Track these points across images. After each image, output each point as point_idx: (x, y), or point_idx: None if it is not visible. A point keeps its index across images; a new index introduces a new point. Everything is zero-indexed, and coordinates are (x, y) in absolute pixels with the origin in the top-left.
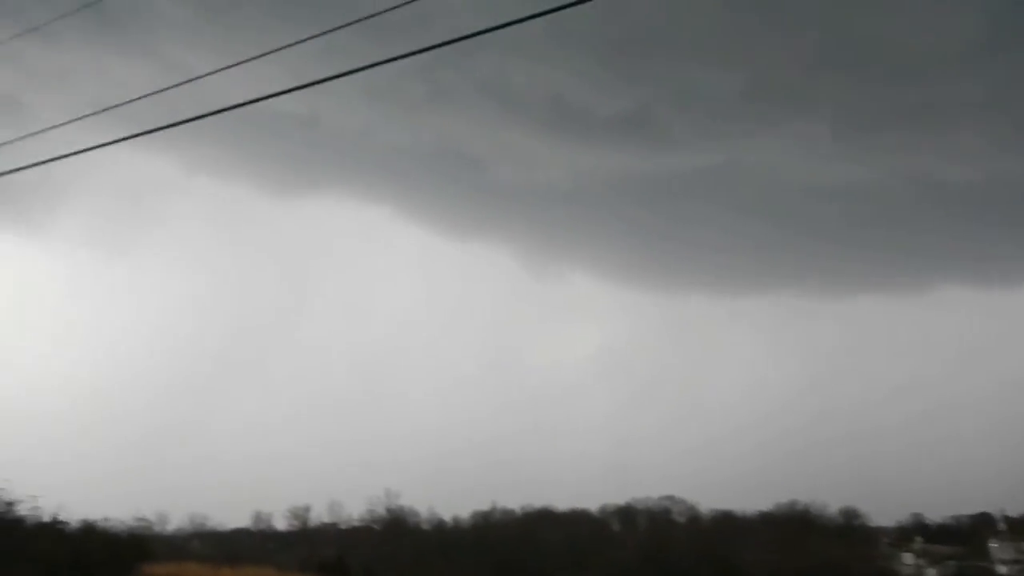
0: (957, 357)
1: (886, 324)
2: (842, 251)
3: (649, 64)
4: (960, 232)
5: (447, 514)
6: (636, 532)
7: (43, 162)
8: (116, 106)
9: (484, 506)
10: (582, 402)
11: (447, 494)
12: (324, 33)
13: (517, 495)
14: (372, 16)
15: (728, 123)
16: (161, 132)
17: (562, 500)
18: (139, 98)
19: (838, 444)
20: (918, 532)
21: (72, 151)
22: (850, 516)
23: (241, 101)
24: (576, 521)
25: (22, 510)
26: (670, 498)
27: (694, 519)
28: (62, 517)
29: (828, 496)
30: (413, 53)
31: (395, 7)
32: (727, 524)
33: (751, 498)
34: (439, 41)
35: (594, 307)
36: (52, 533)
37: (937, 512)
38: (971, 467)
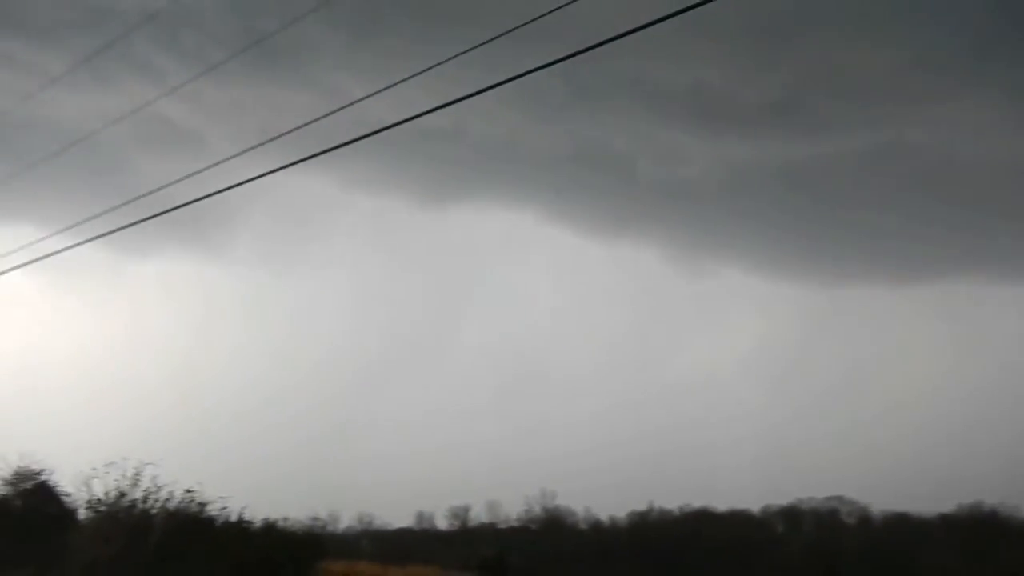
0: None
1: None
2: None
3: (796, 46)
4: None
5: (603, 514)
6: (801, 534)
7: (219, 191)
8: (280, 136)
9: (641, 506)
10: (741, 400)
11: (603, 494)
12: (466, 51)
13: (675, 495)
14: (511, 30)
15: (890, 101)
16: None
17: (721, 501)
18: (300, 127)
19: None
20: None
21: (244, 179)
22: None
23: (390, 119)
24: (737, 522)
25: (212, 511)
26: (838, 498)
27: (864, 520)
28: (247, 517)
29: (1020, 498)
30: (556, 61)
31: (534, 19)
32: (902, 526)
33: (929, 499)
34: (579, 43)
35: (750, 303)
36: (239, 532)
37: None
38: None
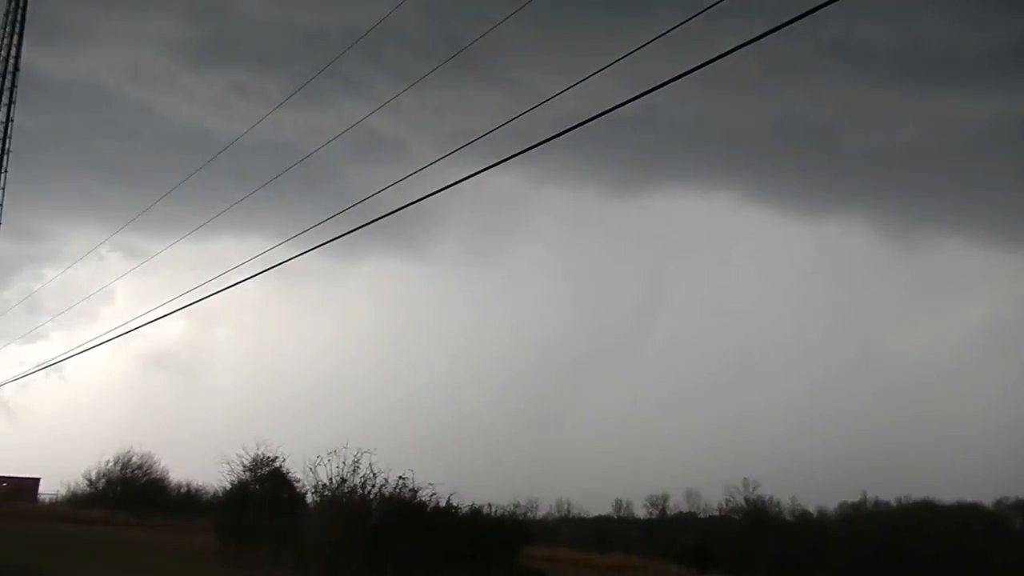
0: None
1: None
2: None
3: None
4: None
5: (811, 505)
6: None
7: (423, 197)
8: (476, 139)
9: (853, 497)
10: (968, 383)
11: (811, 484)
12: (656, 38)
13: (892, 486)
14: (702, 12)
15: None
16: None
17: (947, 492)
18: (495, 129)
19: None
20: None
21: (445, 184)
22: None
23: (581, 112)
24: (965, 516)
25: (423, 496)
26: None
27: None
28: (455, 503)
29: None
30: (749, 42)
31: None
32: None
33: None
34: (777, 13)
35: (976, 278)
36: (448, 516)
37: None
38: None
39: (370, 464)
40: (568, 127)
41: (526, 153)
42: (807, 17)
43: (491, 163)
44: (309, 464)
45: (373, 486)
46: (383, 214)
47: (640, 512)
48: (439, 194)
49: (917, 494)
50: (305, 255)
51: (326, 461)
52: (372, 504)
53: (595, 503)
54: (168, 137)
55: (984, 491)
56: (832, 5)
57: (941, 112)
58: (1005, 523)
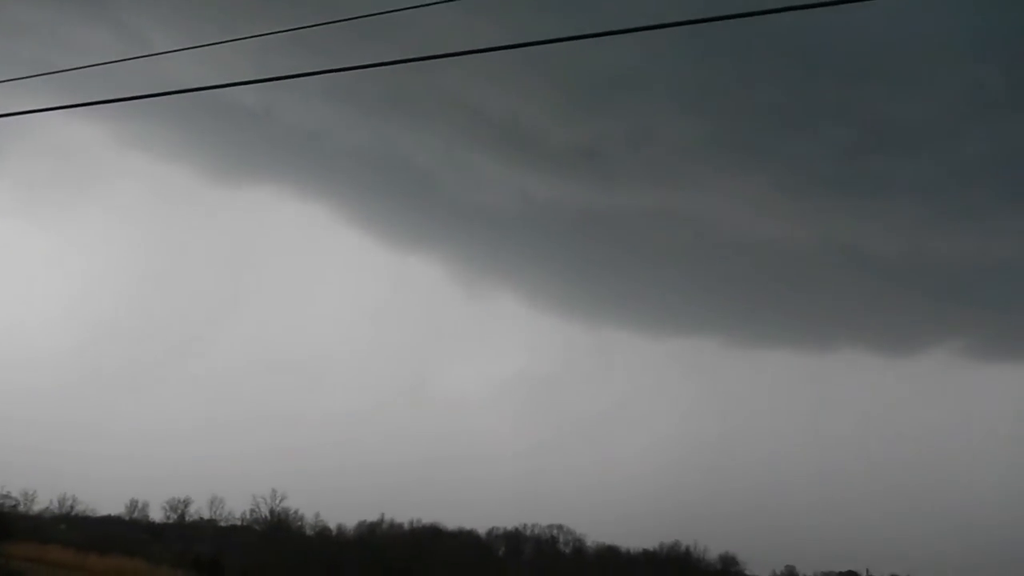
0: (852, 417)
1: (792, 379)
2: (757, 305)
3: (611, 102)
4: (871, 300)
5: (333, 522)
6: (520, 558)
7: None
8: (61, 71)
9: (373, 517)
10: (492, 422)
11: (336, 502)
12: (291, 29)
13: (409, 510)
14: (342, 20)
15: (676, 169)
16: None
17: (453, 519)
18: (87, 67)
19: (728, 493)
20: None
21: (7, 112)
22: (728, 562)
23: (195, 85)
24: (463, 541)
25: None
26: (559, 527)
27: (579, 551)
28: None
29: (710, 542)
30: (379, 64)
31: (370, 15)
32: (610, 558)
33: (637, 536)
34: (406, 50)
35: (519, 331)
36: None
37: (809, 566)
38: (849, 526)
39: None
40: (171, 90)
41: (118, 111)
42: (432, 62)
43: (71, 104)
44: None
45: None
46: None
47: (157, 515)
48: (3, 131)
49: (428, 518)
50: None
51: None
52: None
53: (107, 502)
54: None
55: (481, 521)
56: (454, 61)
57: (521, 185)
58: (492, 549)
